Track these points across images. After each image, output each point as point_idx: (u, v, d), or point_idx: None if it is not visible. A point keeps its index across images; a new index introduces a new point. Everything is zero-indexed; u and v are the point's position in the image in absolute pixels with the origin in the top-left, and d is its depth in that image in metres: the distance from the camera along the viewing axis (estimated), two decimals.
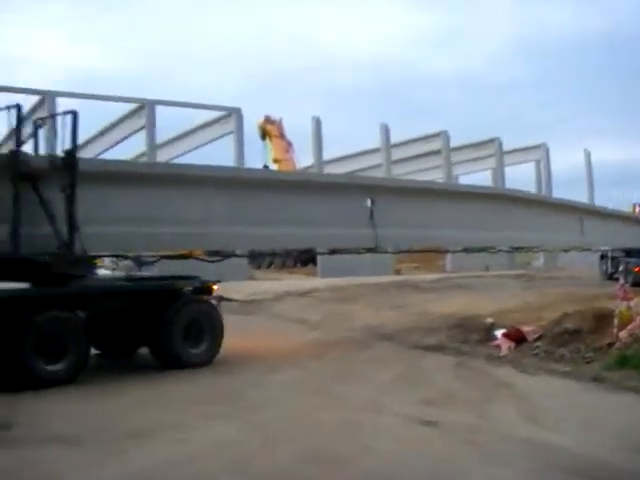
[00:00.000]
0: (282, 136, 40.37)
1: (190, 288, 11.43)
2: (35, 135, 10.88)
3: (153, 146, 32.57)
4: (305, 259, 35.14)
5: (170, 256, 12.31)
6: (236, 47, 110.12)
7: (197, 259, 12.40)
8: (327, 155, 41.60)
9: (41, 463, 6.17)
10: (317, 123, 42.36)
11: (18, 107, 10.05)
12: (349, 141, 70.10)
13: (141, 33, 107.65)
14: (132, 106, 34.70)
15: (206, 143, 37.54)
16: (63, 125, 10.31)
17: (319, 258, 29.78)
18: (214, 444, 6.74)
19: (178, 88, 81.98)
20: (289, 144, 40.28)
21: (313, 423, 7.51)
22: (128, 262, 12.12)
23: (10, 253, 9.54)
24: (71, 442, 6.72)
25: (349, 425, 7.39)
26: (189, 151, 37.13)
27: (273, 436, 6.98)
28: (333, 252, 14.99)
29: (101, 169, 10.76)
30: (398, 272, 33.52)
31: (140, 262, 11.83)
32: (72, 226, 10.10)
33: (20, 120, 10.07)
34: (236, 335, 11.92)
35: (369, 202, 13.60)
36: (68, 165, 10.22)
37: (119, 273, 11.33)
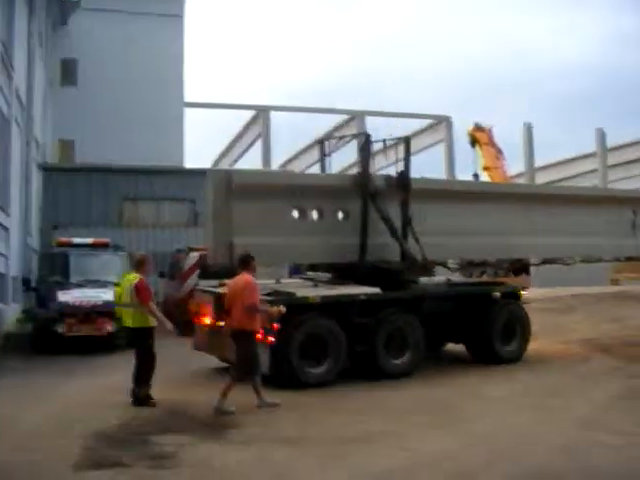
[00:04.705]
0: (492, 144, 40.12)
1: (500, 293, 12.14)
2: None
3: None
4: (517, 269, 34.64)
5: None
6: (443, 60, 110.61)
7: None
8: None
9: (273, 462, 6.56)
10: (528, 129, 41.70)
11: (367, 135, 11.54)
12: (560, 149, 67.99)
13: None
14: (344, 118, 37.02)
15: (416, 152, 38.71)
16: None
17: (533, 268, 29.52)
18: (432, 453, 6.83)
19: (387, 101, 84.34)
20: (499, 152, 39.91)
21: (531, 438, 7.32)
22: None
23: (371, 262, 11.05)
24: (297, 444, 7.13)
25: (569, 442, 7.19)
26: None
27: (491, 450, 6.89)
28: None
29: (423, 187, 11.86)
30: (615, 282, 32.49)
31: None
32: (406, 237, 11.35)
33: (368, 145, 11.48)
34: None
35: (632, 213, 14.38)
36: (401, 184, 11.56)
37: (438, 279, 12.33)
